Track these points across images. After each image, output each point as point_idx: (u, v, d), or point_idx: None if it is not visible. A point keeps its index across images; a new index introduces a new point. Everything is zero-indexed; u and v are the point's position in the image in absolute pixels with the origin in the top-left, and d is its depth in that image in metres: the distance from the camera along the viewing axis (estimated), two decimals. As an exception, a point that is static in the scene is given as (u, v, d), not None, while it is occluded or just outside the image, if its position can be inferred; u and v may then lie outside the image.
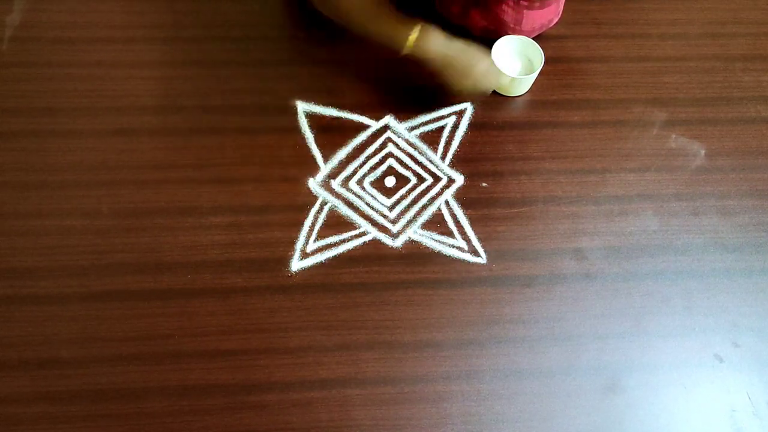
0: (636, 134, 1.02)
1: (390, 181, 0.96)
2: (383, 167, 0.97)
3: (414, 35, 0.88)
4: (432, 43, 0.89)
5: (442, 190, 0.96)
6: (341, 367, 0.81)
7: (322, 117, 1.01)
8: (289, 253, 0.89)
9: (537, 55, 1.02)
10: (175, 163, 0.96)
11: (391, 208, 0.94)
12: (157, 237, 0.89)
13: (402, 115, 1.02)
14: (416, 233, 0.92)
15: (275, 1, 1.15)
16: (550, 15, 1.04)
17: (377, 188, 0.95)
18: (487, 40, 1.05)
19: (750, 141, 1.03)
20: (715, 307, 0.88)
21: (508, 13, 1.00)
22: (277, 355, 0.82)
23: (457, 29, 1.09)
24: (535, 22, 1.02)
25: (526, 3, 0.99)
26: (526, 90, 1.05)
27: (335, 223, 0.92)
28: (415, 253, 0.90)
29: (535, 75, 1.02)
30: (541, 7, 1.00)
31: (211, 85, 1.04)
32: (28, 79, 1.03)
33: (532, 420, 0.79)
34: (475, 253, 0.90)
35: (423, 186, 0.96)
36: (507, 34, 1.03)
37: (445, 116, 1.02)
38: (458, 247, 0.91)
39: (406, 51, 0.90)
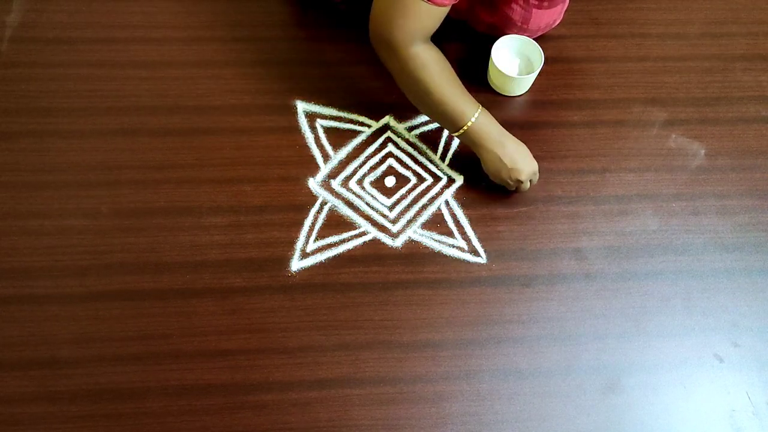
0: (636, 134, 1.02)
1: (390, 181, 0.96)
2: (383, 167, 0.97)
3: (476, 114, 0.86)
4: (490, 126, 0.88)
5: (442, 190, 0.96)
6: (340, 367, 0.81)
7: (322, 117, 1.01)
8: (289, 253, 0.89)
9: (537, 55, 1.02)
10: (175, 163, 0.96)
11: (391, 208, 0.94)
12: (156, 237, 0.89)
13: (402, 115, 1.02)
14: (416, 233, 0.92)
15: (275, 2, 1.15)
16: (555, 15, 1.04)
17: (377, 188, 0.95)
18: (488, 37, 1.05)
19: (750, 141, 1.03)
20: (715, 307, 0.88)
21: (516, 12, 1.00)
22: (277, 355, 0.82)
23: (459, 29, 1.10)
24: (542, 21, 1.02)
25: (536, 2, 0.98)
26: (526, 90, 1.05)
27: (335, 223, 0.92)
28: (415, 253, 0.90)
29: (534, 75, 1.01)
30: (549, 7, 1.00)
31: (211, 85, 1.04)
32: (28, 79, 1.03)
33: (531, 420, 0.79)
34: (475, 253, 0.90)
35: (423, 186, 0.96)
36: (512, 32, 1.03)
37: (444, 116, 1.02)
38: (458, 247, 0.91)
39: (460, 133, 0.89)
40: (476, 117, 0.86)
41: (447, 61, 0.87)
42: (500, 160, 0.88)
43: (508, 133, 0.90)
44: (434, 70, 0.84)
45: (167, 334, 0.82)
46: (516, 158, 0.88)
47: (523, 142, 1.01)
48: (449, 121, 0.88)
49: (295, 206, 0.93)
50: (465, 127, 0.87)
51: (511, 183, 0.90)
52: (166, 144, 0.98)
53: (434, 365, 0.82)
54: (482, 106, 0.88)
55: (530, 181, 0.91)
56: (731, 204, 0.96)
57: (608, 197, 0.96)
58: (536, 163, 0.90)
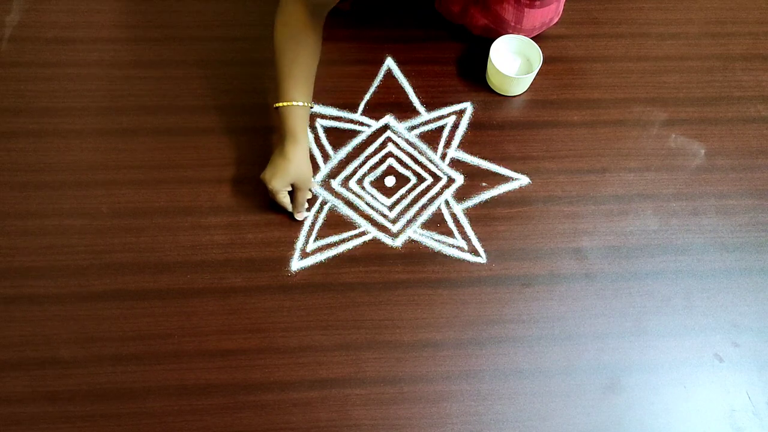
0: (636, 134, 1.02)
1: (390, 181, 0.96)
2: (383, 167, 0.97)
3: (290, 103, 0.85)
4: (285, 123, 0.86)
5: (442, 189, 0.96)
6: (341, 366, 0.81)
7: (322, 117, 1.01)
8: (289, 253, 0.89)
9: (535, 55, 1.02)
10: (175, 163, 0.96)
11: (391, 207, 0.94)
12: (156, 237, 0.89)
13: (402, 114, 1.02)
14: (416, 233, 0.92)
15: (275, 1, 1.14)
16: (550, 14, 1.04)
17: (377, 188, 0.95)
18: (485, 40, 1.05)
19: (750, 141, 1.03)
20: (714, 307, 0.88)
21: (508, 11, 1.00)
22: (277, 355, 0.82)
23: (457, 29, 1.10)
24: (536, 20, 1.03)
25: (527, 1, 0.99)
26: (525, 90, 1.05)
27: (335, 223, 0.92)
28: (414, 252, 0.90)
29: (533, 75, 1.01)
30: (541, 6, 1.00)
31: (210, 85, 1.04)
32: (28, 79, 1.03)
33: (532, 420, 0.79)
34: (475, 252, 0.90)
35: (423, 186, 0.96)
36: (507, 32, 1.03)
37: (445, 116, 1.02)
38: (458, 247, 0.91)
39: (277, 106, 0.87)
40: (283, 105, 0.85)
41: (315, 52, 0.87)
42: (271, 159, 0.88)
43: (297, 142, 0.86)
44: (294, 47, 0.84)
45: (167, 334, 0.82)
46: (271, 165, 0.87)
47: (523, 142, 1.01)
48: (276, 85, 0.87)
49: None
50: (275, 106, 0.87)
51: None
52: (166, 144, 0.97)
53: (435, 365, 0.82)
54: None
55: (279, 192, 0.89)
56: (731, 204, 0.96)
57: (608, 197, 0.96)
58: (278, 186, 0.86)
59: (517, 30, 1.03)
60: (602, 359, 0.83)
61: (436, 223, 0.92)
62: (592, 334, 0.85)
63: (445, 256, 0.90)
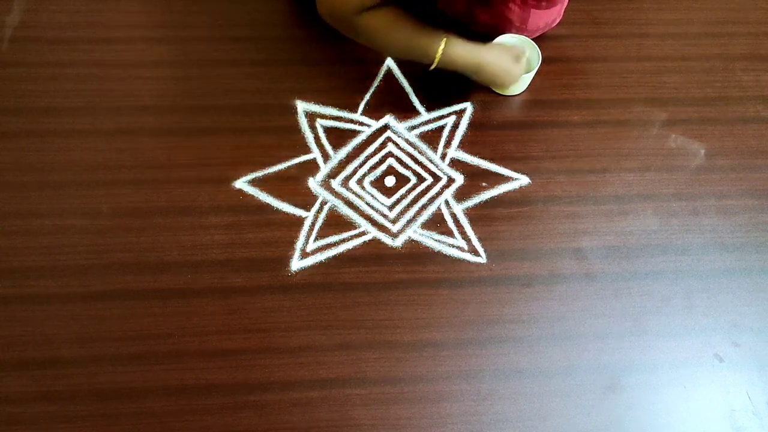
0: (636, 134, 1.02)
1: (390, 181, 0.96)
2: (383, 167, 0.97)
3: (441, 48, 0.88)
4: (459, 53, 0.90)
5: (442, 189, 0.96)
6: (341, 366, 0.81)
7: (322, 117, 1.01)
8: (289, 253, 0.89)
9: (535, 55, 1.02)
10: (175, 163, 0.96)
11: (391, 207, 0.94)
12: (157, 237, 0.89)
13: (402, 114, 1.02)
14: (416, 233, 0.92)
15: (276, 1, 1.15)
16: (554, 15, 1.04)
17: (377, 188, 0.95)
18: (487, 36, 1.05)
19: (750, 141, 1.03)
20: (715, 307, 0.88)
21: (514, 12, 1.00)
22: (277, 355, 0.82)
23: (459, 26, 1.10)
24: (540, 21, 1.03)
25: (533, 2, 0.99)
26: (524, 89, 1.05)
27: (335, 223, 0.92)
28: (415, 252, 0.90)
29: (532, 74, 1.01)
30: (548, 7, 1.00)
31: (211, 85, 1.04)
32: (28, 79, 1.03)
33: (531, 420, 0.79)
34: (475, 252, 0.90)
35: (423, 186, 0.96)
36: (510, 32, 1.03)
37: (445, 116, 1.02)
38: (458, 247, 0.91)
39: (436, 64, 0.90)
40: (440, 52, 0.88)
41: (395, 10, 0.87)
42: (486, 80, 0.96)
43: (481, 51, 0.92)
44: (384, 28, 0.86)
45: (167, 334, 0.82)
46: (494, 78, 0.95)
47: (523, 142, 1.01)
48: (420, 60, 0.91)
49: (295, 206, 0.93)
50: (434, 64, 0.90)
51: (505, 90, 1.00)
52: (166, 144, 0.98)
53: (435, 365, 0.82)
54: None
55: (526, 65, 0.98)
56: (731, 204, 0.96)
57: (608, 197, 0.96)
58: (515, 69, 0.95)
59: (521, 31, 1.03)
60: (602, 359, 0.83)
61: (436, 223, 0.93)
62: (592, 334, 0.85)
63: (445, 256, 0.90)
